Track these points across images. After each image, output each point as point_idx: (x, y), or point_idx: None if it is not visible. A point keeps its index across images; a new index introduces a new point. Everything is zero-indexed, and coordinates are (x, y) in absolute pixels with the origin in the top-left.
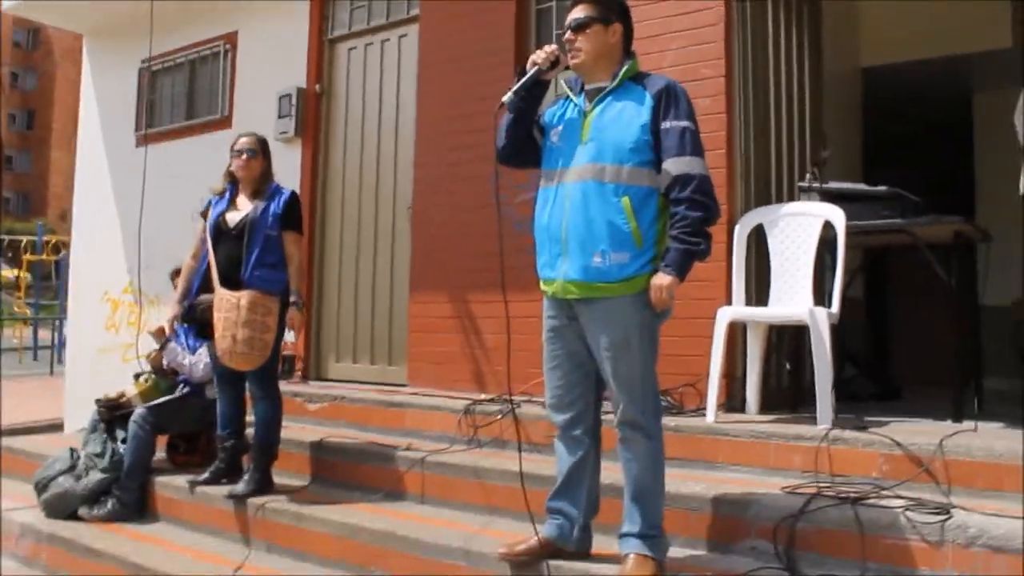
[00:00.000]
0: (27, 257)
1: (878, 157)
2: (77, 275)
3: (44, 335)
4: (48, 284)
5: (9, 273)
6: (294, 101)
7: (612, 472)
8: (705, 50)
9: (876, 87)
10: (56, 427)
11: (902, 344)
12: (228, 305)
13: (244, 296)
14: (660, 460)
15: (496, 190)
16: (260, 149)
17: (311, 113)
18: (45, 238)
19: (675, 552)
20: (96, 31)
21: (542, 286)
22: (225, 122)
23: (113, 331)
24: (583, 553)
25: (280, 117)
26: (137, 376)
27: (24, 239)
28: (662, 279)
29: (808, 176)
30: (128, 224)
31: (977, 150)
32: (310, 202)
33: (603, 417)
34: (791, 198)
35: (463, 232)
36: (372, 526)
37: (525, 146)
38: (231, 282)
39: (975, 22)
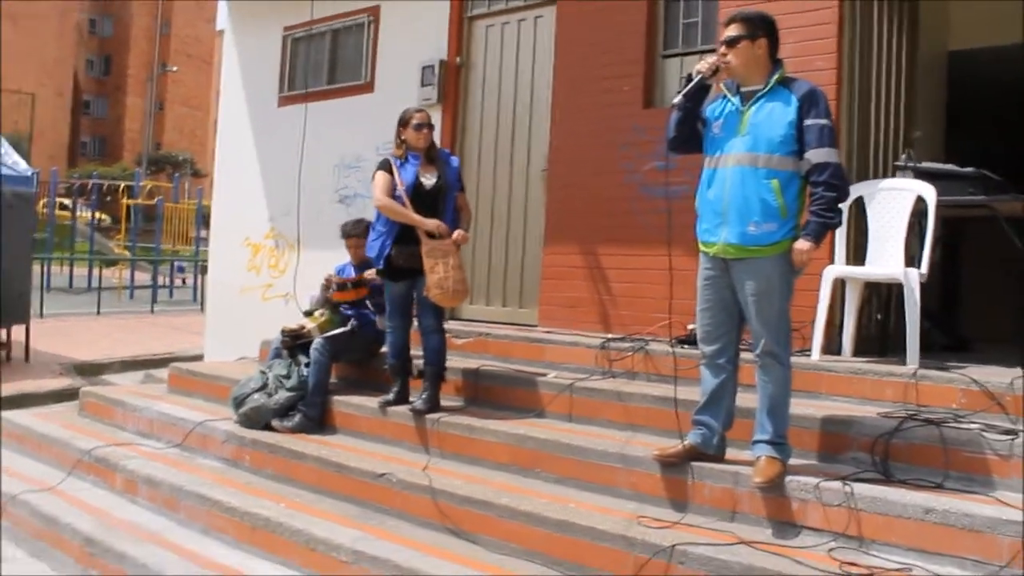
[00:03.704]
0: (126, 201)
1: (961, 133)
2: (219, 222)
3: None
4: (147, 228)
5: (98, 215)
6: (436, 72)
7: (742, 398)
8: (819, 45)
9: (961, 69)
10: (196, 358)
11: (972, 305)
12: (441, 252)
13: (451, 245)
14: (789, 383)
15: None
16: (431, 122)
17: (451, 83)
18: (141, 183)
19: (792, 460)
20: None
21: (702, 247)
22: (367, 87)
23: (254, 272)
24: (720, 457)
25: (423, 86)
26: (309, 312)
27: (121, 184)
28: (803, 244)
29: (903, 156)
30: (269, 176)
31: None
32: None
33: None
34: (888, 174)
35: (592, 193)
36: (536, 435)
37: (690, 138)
38: (430, 234)
39: None
